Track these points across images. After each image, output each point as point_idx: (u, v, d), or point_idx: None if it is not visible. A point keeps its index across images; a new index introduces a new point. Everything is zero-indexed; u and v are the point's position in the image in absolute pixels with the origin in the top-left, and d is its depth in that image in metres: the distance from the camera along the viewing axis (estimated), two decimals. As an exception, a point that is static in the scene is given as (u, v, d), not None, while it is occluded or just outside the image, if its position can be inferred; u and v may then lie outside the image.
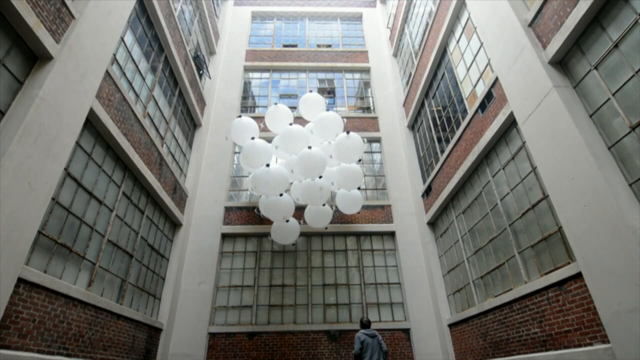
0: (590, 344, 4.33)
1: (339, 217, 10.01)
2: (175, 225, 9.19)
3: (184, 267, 9.10)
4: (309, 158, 7.28)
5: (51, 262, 4.77)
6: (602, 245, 4.03)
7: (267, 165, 7.16)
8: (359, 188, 9.26)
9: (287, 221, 7.98)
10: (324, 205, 8.15)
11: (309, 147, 7.27)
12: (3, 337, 3.88)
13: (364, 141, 7.82)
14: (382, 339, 6.08)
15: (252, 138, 7.57)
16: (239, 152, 11.32)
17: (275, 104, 8.46)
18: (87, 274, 5.57)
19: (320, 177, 7.68)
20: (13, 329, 4.01)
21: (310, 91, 8.68)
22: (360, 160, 8.05)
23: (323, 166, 7.45)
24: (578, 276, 4.51)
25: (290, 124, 7.81)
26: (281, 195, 7.59)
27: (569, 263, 4.77)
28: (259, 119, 11.80)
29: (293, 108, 12.37)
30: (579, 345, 4.49)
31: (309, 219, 8.35)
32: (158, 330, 7.84)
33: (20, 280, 4.09)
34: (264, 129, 9.88)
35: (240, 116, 8.22)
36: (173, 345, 8.21)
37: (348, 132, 7.52)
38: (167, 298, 8.28)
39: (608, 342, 4.05)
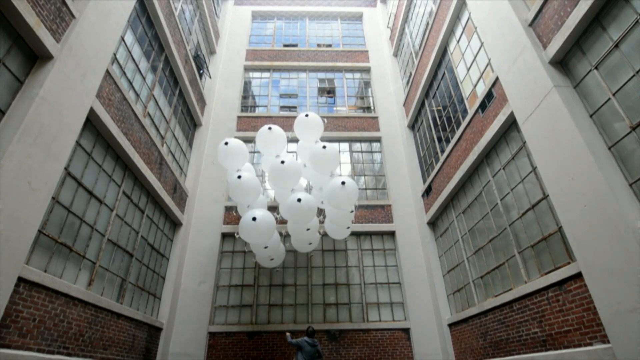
0: (590, 344, 4.33)
1: (339, 216, 10.01)
2: (175, 224, 9.19)
3: (184, 267, 9.10)
4: (298, 210, 6.88)
5: (51, 262, 4.77)
6: (602, 245, 4.03)
7: (254, 219, 6.49)
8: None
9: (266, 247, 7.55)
10: (308, 229, 7.79)
11: (299, 200, 6.76)
12: (3, 336, 3.88)
13: (357, 185, 7.34)
14: (321, 349, 7.01)
15: (239, 177, 6.82)
16: (239, 152, 11.32)
17: (269, 128, 7.53)
18: (87, 273, 5.57)
19: (308, 229, 7.50)
20: (13, 328, 4.02)
21: (307, 115, 7.71)
22: (352, 211, 7.74)
23: (312, 217, 7.15)
24: (578, 276, 4.51)
25: (282, 162, 7.07)
26: (266, 247, 7.36)
27: (569, 263, 4.77)
28: (259, 118, 11.82)
29: (293, 108, 12.39)
30: (579, 345, 4.49)
31: (296, 245, 8.32)
32: (158, 330, 7.85)
33: (20, 280, 4.10)
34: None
35: (226, 143, 7.24)
36: (173, 344, 8.21)
37: (343, 183, 6.79)
38: (167, 297, 8.29)
39: (608, 342, 4.05)
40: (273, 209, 9.13)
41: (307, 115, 7.77)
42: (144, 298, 7.42)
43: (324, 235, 9.11)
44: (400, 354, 8.42)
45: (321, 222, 8.62)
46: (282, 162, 7.04)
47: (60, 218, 4.94)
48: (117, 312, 6.13)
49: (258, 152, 11.32)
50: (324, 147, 7.22)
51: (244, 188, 6.95)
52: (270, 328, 8.48)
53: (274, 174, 7.22)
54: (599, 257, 4.08)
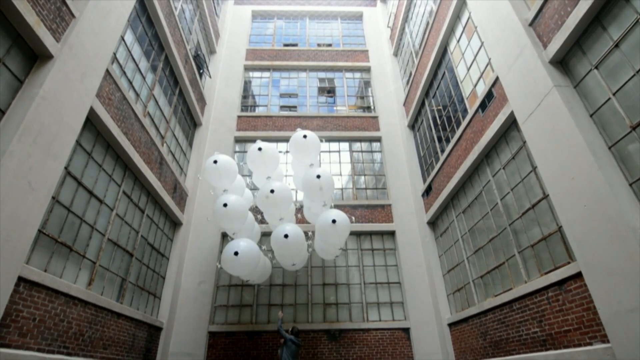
0: (590, 344, 4.33)
1: (339, 216, 10.00)
2: (175, 224, 9.19)
3: (184, 266, 9.10)
4: (285, 250, 6.65)
5: (51, 261, 4.77)
6: (602, 245, 4.03)
7: (236, 253, 6.13)
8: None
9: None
10: (294, 265, 7.48)
11: (285, 236, 6.40)
12: (3, 335, 3.88)
13: (351, 220, 7.01)
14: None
15: (225, 205, 6.47)
16: (239, 152, 11.33)
17: (259, 149, 7.08)
18: (87, 273, 5.57)
19: (294, 264, 7.34)
20: (13, 328, 4.02)
21: (305, 137, 7.16)
22: (341, 250, 7.57)
23: (300, 252, 6.90)
24: (578, 276, 4.51)
25: (272, 191, 6.74)
26: (247, 280, 7.20)
27: (569, 263, 4.77)
28: (259, 118, 11.82)
29: (293, 107, 12.38)
30: (579, 345, 4.49)
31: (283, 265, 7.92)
32: (158, 329, 7.85)
33: (20, 279, 4.10)
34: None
35: (215, 161, 6.84)
36: (173, 344, 8.22)
37: (334, 221, 6.49)
38: (167, 297, 8.29)
39: (608, 341, 4.05)
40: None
41: (305, 137, 7.17)
42: (144, 298, 7.43)
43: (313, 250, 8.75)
44: (400, 354, 8.42)
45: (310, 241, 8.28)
46: (272, 190, 6.69)
47: (60, 218, 4.94)
48: (117, 311, 6.13)
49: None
50: (318, 176, 6.73)
51: (230, 215, 6.60)
52: (270, 328, 8.48)
53: (263, 203, 6.90)
54: (599, 257, 4.08)
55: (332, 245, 7.24)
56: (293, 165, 7.97)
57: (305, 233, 7.57)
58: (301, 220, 9.36)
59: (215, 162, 6.86)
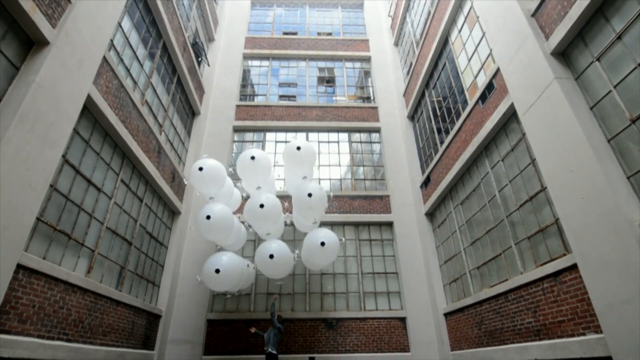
0: (583, 334, 4.40)
1: (337, 207, 10.04)
2: (174, 213, 9.19)
3: (183, 255, 9.14)
4: (271, 269, 6.51)
5: (50, 249, 4.78)
6: (599, 238, 4.06)
7: (217, 271, 5.96)
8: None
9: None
10: (280, 282, 7.43)
11: (271, 256, 6.26)
12: (3, 322, 3.92)
13: (341, 241, 6.80)
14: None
15: (208, 217, 6.16)
16: (238, 141, 11.29)
17: (252, 157, 6.66)
18: (86, 261, 5.59)
19: (281, 282, 7.28)
20: (13, 315, 4.05)
21: (299, 148, 6.77)
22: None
23: (286, 273, 6.93)
24: (573, 267, 4.56)
25: (261, 205, 6.41)
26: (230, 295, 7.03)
27: (564, 255, 4.81)
28: (258, 107, 11.74)
29: (292, 97, 12.30)
30: (572, 335, 4.57)
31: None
32: (157, 317, 7.92)
33: (19, 267, 4.11)
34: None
35: (201, 168, 6.44)
36: (172, 331, 8.31)
37: (323, 243, 6.31)
38: (166, 285, 8.35)
39: (601, 332, 4.12)
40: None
41: (299, 148, 6.74)
42: (143, 285, 7.48)
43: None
44: (396, 342, 8.54)
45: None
46: (261, 205, 6.37)
47: (58, 206, 4.93)
48: (116, 299, 6.17)
49: (255, 141, 11.29)
50: (310, 194, 6.44)
51: (213, 228, 6.28)
52: (268, 316, 8.57)
53: (251, 217, 6.60)
54: (594, 249, 4.12)
55: (317, 265, 7.11)
56: (286, 171, 7.66)
57: (292, 249, 7.35)
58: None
59: (200, 169, 6.42)
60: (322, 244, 6.28)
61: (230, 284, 6.28)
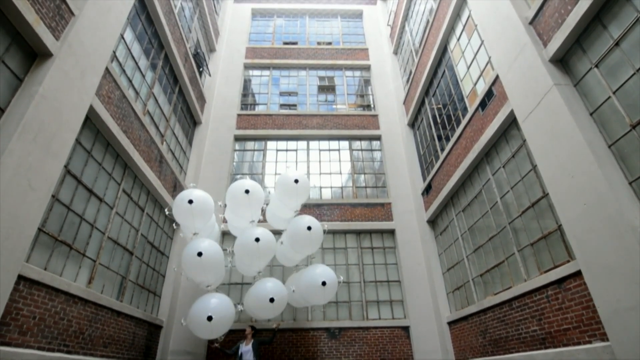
0: (590, 342, 4.34)
1: (338, 215, 10.02)
2: (174, 222, 9.16)
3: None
4: (272, 312, 6.09)
5: (51, 259, 4.77)
6: (602, 244, 4.04)
7: (209, 318, 5.46)
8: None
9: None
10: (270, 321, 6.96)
11: (271, 300, 5.80)
12: (3, 334, 3.89)
13: (339, 281, 6.45)
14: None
15: (199, 254, 5.66)
16: (239, 150, 11.33)
17: (246, 191, 6.30)
18: (87, 271, 5.57)
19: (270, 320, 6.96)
20: (13, 326, 4.02)
21: (296, 181, 6.46)
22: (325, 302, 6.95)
23: (279, 309, 6.28)
24: (577, 274, 4.52)
25: (257, 239, 6.01)
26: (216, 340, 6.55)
27: (568, 261, 4.77)
28: (259, 116, 11.80)
29: (293, 106, 12.37)
30: (578, 343, 4.50)
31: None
32: (158, 328, 7.86)
33: (20, 277, 4.10)
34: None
35: (191, 201, 6.01)
36: (173, 342, 8.22)
37: (324, 283, 6.05)
38: (167, 295, 8.29)
39: (607, 340, 4.06)
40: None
41: (297, 181, 6.40)
42: (144, 296, 7.43)
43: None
44: (400, 352, 8.44)
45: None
46: (257, 239, 5.91)
47: (60, 216, 4.93)
48: (117, 310, 6.13)
49: (256, 150, 11.33)
50: (309, 228, 6.08)
51: (206, 267, 5.72)
52: (270, 326, 8.48)
53: (243, 252, 6.09)
54: (598, 255, 4.09)
55: (310, 304, 6.79)
56: (272, 199, 7.17)
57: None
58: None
59: (190, 201, 5.87)
60: (324, 283, 5.88)
61: (222, 331, 5.81)
